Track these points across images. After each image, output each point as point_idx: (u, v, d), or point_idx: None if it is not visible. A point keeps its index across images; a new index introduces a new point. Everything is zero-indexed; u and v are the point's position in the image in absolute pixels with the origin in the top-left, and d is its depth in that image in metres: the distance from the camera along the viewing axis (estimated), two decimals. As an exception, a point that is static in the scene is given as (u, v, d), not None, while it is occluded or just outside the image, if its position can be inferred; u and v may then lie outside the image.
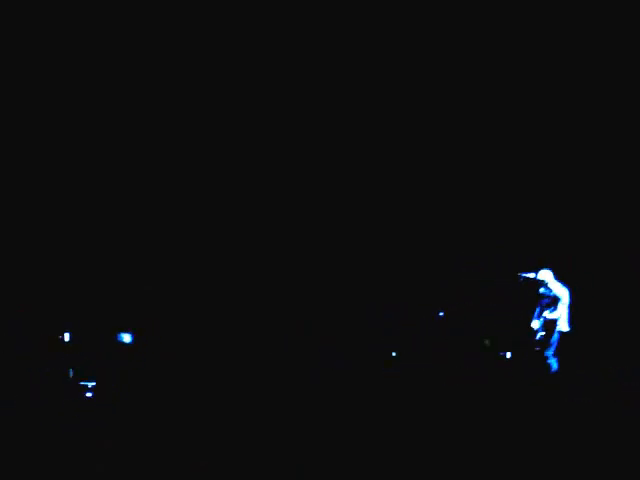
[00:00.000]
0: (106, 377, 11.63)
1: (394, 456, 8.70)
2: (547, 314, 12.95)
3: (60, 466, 8.22)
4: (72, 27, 14.45)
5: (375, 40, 14.78)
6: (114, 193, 15.22)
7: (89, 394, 11.28)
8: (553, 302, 12.95)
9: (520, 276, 13.18)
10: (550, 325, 12.91)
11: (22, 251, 14.51)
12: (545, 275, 13.06)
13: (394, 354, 13.46)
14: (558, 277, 13.07)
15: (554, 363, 12.90)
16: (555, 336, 12.89)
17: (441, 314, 13.89)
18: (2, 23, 14.28)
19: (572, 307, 12.96)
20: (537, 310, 13.08)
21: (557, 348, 12.92)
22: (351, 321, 14.76)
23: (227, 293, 15.04)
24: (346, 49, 14.84)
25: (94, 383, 11.39)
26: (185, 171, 15.39)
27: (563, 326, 12.93)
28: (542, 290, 13.06)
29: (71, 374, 11.72)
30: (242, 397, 11.22)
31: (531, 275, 13.10)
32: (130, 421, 9.95)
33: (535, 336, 12.98)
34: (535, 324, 13.00)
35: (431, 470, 8.26)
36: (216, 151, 15.35)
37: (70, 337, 12.16)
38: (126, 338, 12.52)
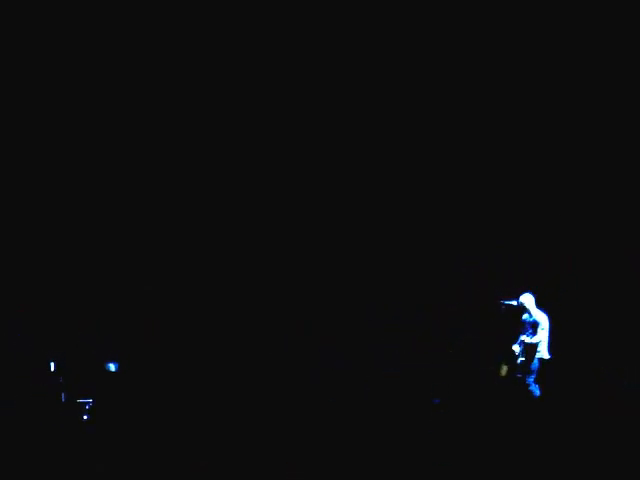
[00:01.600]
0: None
1: (392, 456, 8.80)
2: (528, 340, 13.06)
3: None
4: (72, 27, 14.57)
5: (375, 40, 14.85)
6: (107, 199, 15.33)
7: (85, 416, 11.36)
8: (534, 328, 13.07)
9: (502, 302, 13.30)
10: (531, 351, 13.02)
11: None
12: (526, 301, 13.19)
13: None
14: (538, 303, 13.21)
15: (535, 389, 13.01)
16: (535, 362, 13.01)
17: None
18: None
19: (552, 333, 13.11)
20: (519, 336, 13.19)
21: (538, 374, 13.05)
22: (351, 321, 14.83)
23: (227, 293, 15.13)
24: (346, 49, 14.92)
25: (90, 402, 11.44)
26: (183, 172, 15.48)
27: (544, 352, 13.06)
28: (523, 316, 13.18)
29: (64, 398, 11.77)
30: (242, 397, 11.30)
31: (512, 302, 13.21)
32: (131, 421, 10.04)
33: (516, 362, 13.09)
34: (516, 350, 13.11)
35: (429, 470, 8.38)
36: (216, 151, 15.44)
37: (55, 366, 12.26)
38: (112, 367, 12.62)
